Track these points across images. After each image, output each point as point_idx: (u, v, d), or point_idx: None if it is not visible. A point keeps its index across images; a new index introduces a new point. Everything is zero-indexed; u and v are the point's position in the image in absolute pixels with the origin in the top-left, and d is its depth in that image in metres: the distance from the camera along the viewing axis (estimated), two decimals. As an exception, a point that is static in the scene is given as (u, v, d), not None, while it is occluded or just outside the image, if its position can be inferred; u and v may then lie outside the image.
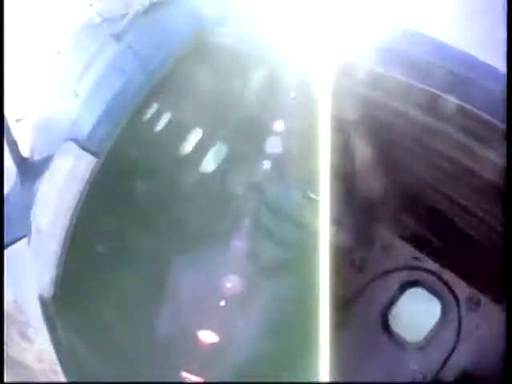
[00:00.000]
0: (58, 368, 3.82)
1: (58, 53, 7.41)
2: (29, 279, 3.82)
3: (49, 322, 3.49)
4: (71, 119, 3.96)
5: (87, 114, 3.63)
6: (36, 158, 5.08)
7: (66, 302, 3.49)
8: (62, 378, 3.78)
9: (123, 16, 4.26)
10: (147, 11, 4.03)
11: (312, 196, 3.83)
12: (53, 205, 3.38)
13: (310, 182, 3.92)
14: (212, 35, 3.49)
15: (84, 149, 3.23)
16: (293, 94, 3.73)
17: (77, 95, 4.29)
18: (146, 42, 3.90)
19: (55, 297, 3.44)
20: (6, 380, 3.41)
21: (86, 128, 3.38)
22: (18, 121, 5.55)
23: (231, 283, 3.83)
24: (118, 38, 4.08)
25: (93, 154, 3.18)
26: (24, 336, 4.18)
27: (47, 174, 3.69)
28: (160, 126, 7.87)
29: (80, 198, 3.21)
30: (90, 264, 4.29)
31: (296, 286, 3.81)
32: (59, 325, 3.48)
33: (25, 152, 5.20)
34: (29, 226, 3.98)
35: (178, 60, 3.59)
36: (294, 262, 3.95)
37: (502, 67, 2.33)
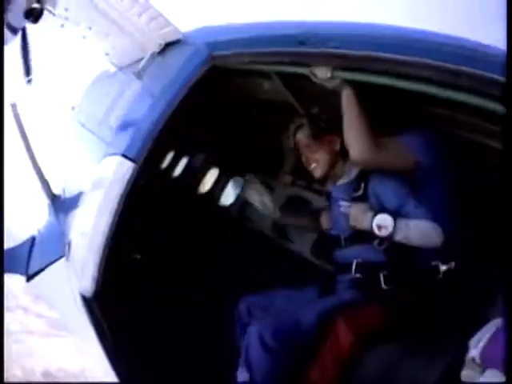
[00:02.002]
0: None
1: (73, 108, 8.18)
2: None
3: (93, 318, 3.87)
4: (105, 144, 4.46)
5: (122, 135, 4.13)
6: (67, 195, 5.67)
7: (106, 300, 3.88)
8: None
9: (139, 61, 4.64)
10: (162, 51, 4.40)
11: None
12: (97, 208, 3.79)
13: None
14: (224, 60, 3.84)
15: (123, 156, 3.73)
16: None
17: (108, 125, 4.85)
18: (158, 82, 4.20)
19: (96, 295, 3.82)
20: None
21: (122, 145, 3.87)
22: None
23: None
24: (139, 75, 4.53)
25: (131, 160, 3.71)
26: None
27: (93, 182, 4.18)
28: (178, 171, 8.66)
29: (120, 201, 3.71)
30: (129, 268, 4.97)
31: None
32: (102, 320, 3.88)
33: (56, 190, 6.02)
34: (64, 246, 4.53)
35: (186, 96, 3.90)
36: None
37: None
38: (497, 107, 2.61)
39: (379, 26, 3.56)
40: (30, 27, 5.55)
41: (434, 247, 3.39)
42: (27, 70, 6.02)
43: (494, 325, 2.39)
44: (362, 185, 3.68)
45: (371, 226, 3.44)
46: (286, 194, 6.42)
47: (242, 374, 3.41)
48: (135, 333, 4.25)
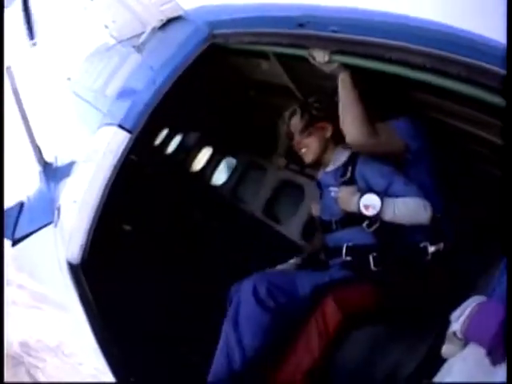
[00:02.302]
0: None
1: (69, 79, 8.23)
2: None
3: (78, 286, 3.88)
4: (101, 114, 4.55)
5: (119, 106, 4.20)
6: (59, 164, 5.73)
7: (93, 269, 3.91)
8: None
9: (139, 36, 4.67)
10: (164, 26, 4.45)
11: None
12: (89, 177, 3.85)
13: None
14: (224, 38, 3.91)
15: (119, 126, 3.79)
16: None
17: (105, 96, 4.99)
18: (158, 56, 4.25)
19: (83, 263, 3.85)
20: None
21: (119, 115, 3.92)
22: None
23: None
24: (138, 49, 4.58)
25: (127, 130, 3.77)
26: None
27: (88, 152, 4.25)
28: (171, 148, 8.70)
29: (113, 172, 3.77)
30: (118, 239, 5.03)
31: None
32: (88, 289, 3.89)
33: (48, 157, 6.10)
34: (53, 213, 4.61)
35: (184, 73, 3.96)
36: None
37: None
38: (494, 99, 2.63)
39: (378, 11, 3.61)
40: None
41: (423, 226, 3.45)
42: (31, 33, 6.07)
43: (476, 300, 2.46)
44: (350, 168, 3.75)
45: (359, 207, 3.51)
46: (279, 177, 6.50)
47: (227, 331, 3.49)
48: (121, 304, 4.27)
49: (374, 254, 3.58)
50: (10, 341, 7.29)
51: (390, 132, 3.62)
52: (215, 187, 7.89)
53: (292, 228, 5.90)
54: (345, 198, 3.66)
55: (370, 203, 3.50)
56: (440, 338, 2.53)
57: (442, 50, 2.73)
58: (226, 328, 3.47)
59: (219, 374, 3.43)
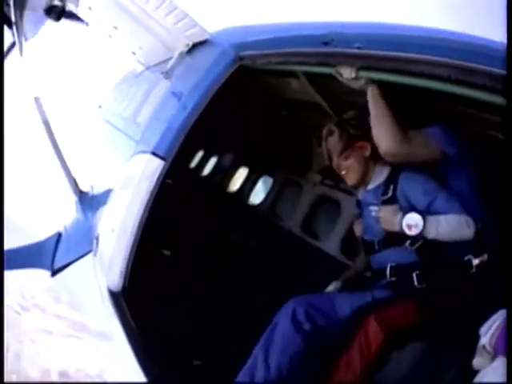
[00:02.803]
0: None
1: (100, 107, 8.41)
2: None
3: (120, 313, 4.01)
4: (134, 142, 4.67)
5: (151, 134, 4.30)
6: (95, 192, 5.85)
7: (134, 295, 4.01)
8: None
9: (166, 61, 4.83)
10: (190, 51, 4.58)
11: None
12: (126, 205, 3.96)
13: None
14: (251, 60, 4.00)
15: (153, 154, 3.91)
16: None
17: (137, 123, 5.10)
18: (186, 81, 4.36)
19: (124, 290, 3.95)
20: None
21: (152, 143, 4.05)
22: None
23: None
24: (167, 75, 4.72)
25: (161, 158, 3.89)
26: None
27: (123, 180, 4.37)
28: (207, 170, 8.80)
29: (150, 199, 3.89)
30: (157, 264, 5.11)
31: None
32: (129, 316, 4.02)
33: (84, 187, 6.25)
34: (92, 242, 4.73)
35: (215, 96, 4.07)
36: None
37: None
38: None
39: (399, 25, 3.70)
40: (57, 25, 5.73)
41: (467, 240, 3.43)
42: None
43: (504, 313, 2.53)
44: (391, 187, 3.74)
45: (401, 227, 3.50)
46: (315, 193, 6.52)
47: (259, 347, 3.53)
48: (162, 329, 4.34)
49: (418, 272, 3.58)
50: (48, 369, 7.42)
51: (425, 139, 3.62)
52: (253, 206, 7.98)
53: (331, 243, 5.90)
54: (387, 217, 3.66)
55: (412, 222, 3.49)
56: (471, 351, 2.57)
57: (467, 60, 2.80)
58: (258, 346, 3.53)
59: None
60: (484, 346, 2.39)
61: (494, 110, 2.94)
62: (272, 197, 7.55)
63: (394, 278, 3.70)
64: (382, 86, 3.53)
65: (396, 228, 3.56)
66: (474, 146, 3.73)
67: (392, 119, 3.52)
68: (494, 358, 2.39)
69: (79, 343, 8.28)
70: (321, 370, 3.46)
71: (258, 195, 8.00)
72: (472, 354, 2.70)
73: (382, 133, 3.54)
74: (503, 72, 2.64)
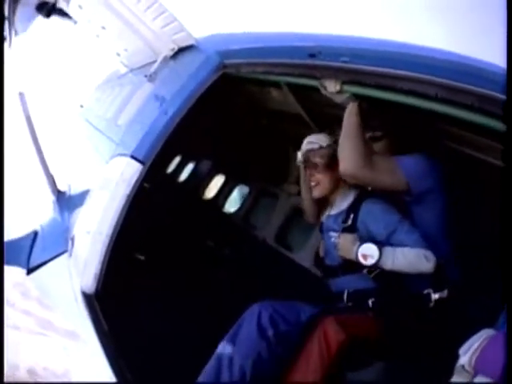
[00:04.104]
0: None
1: (82, 106, 8.30)
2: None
3: (93, 315, 3.92)
4: (114, 144, 4.56)
5: (131, 137, 4.20)
6: (73, 193, 5.75)
7: (107, 298, 3.92)
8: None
9: (150, 64, 4.74)
10: (175, 55, 4.51)
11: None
12: (103, 207, 3.88)
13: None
14: (235, 68, 3.92)
15: (132, 157, 3.82)
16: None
17: (117, 125, 5.07)
18: (169, 86, 4.28)
19: (97, 292, 3.87)
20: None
21: (131, 146, 3.95)
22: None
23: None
24: (150, 78, 4.61)
25: (140, 161, 3.81)
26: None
27: (101, 181, 4.27)
28: (183, 176, 8.72)
29: (127, 202, 3.80)
30: (131, 269, 5.02)
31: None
32: (102, 318, 3.92)
33: (62, 186, 6.14)
34: (67, 242, 4.63)
35: (197, 102, 3.99)
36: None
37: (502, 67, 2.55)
38: (497, 125, 2.65)
39: (388, 41, 3.63)
40: (45, 22, 5.63)
41: (427, 274, 3.38)
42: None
43: (485, 333, 2.46)
44: (352, 216, 3.71)
45: (357, 256, 3.47)
46: (291, 204, 6.41)
47: (223, 346, 3.45)
48: (135, 332, 4.29)
49: (373, 300, 3.56)
50: (17, 365, 7.30)
51: (392, 167, 3.54)
52: (228, 215, 7.91)
53: (304, 255, 5.82)
54: (344, 245, 3.63)
55: (368, 253, 3.45)
56: (448, 372, 2.50)
57: (454, 80, 2.74)
58: (222, 344, 3.48)
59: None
60: (463, 366, 2.32)
61: (482, 131, 2.89)
62: (247, 206, 7.47)
63: (350, 303, 3.68)
64: (368, 102, 3.43)
65: (352, 257, 3.53)
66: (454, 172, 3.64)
67: (360, 141, 3.47)
68: (473, 377, 2.35)
69: (46, 341, 8.12)
70: (283, 372, 3.40)
71: (233, 203, 7.91)
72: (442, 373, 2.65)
73: (346, 152, 3.48)
74: (491, 93, 2.61)
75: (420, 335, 3.31)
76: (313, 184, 3.95)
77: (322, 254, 4.13)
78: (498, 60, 2.68)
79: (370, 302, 3.57)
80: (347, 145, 3.48)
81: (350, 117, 3.52)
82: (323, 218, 4.07)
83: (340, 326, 3.30)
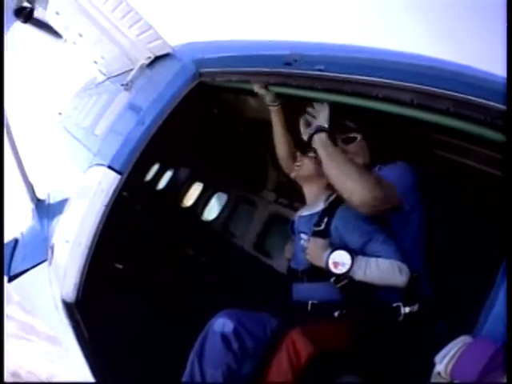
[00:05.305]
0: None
1: (60, 114, 8.22)
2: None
3: (73, 323, 3.88)
4: (91, 154, 4.49)
5: (108, 146, 4.15)
6: (52, 201, 5.68)
7: (87, 307, 3.89)
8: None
9: (127, 73, 4.67)
10: (152, 64, 4.44)
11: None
12: (81, 216, 3.82)
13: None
14: (211, 77, 3.88)
15: (109, 167, 3.77)
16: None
17: (95, 135, 4.97)
18: (146, 95, 4.21)
19: (77, 301, 3.83)
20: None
21: (108, 156, 3.90)
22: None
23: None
24: (127, 87, 4.51)
25: (117, 172, 3.75)
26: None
27: (78, 191, 4.25)
28: (162, 184, 8.68)
29: (105, 212, 3.75)
30: (110, 278, 4.96)
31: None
32: (83, 326, 3.89)
33: (41, 194, 6.06)
34: (47, 251, 4.59)
35: (174, 111, 3.93)
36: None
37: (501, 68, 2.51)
38: (492, 134, 2.62)
39: (364, 48, 3.60)
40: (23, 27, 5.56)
41: (398, 287, 3.20)
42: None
43: (462, 340, 2.43)
44: (325, 220, 3.49)
45: (327, 263, 3.26)
46: (269, 211, 6.39)
47: (192, 356, 3.25)
48: (115, 340, 4.22)
49: (339, 312, 3.34)
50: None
51: (391, 188, 3.29)
52: (206, 222, 7.85)
53: (283, 262, 5.68)
54: (314, 250, 3.42)
55: (339, 260, 3.23)
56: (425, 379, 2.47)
57: (430, 85, 2.70)
58: (193, 351, 3.26)
59: None
60: (439, 373, 2.29)
61: (460, 136, 2.90)
62: (226, 213, 7.42)
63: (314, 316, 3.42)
64: (344, 109, 3.37)
65: (321, 263, 3.32)
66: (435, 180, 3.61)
67: (358, 166, 3.31)
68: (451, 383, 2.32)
69: (29, 345, 8.06)
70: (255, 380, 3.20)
71: (211, 211, 7.86)
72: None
73: (353, 182, 3.15)
74: (467, 97, 2.60)
75: (388, 348, 3.16)
76: (297, 164, 3.80)
77: (288, 255, 3.99)
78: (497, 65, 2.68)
79: (335, 315, 3.35)
80: (349, 177, 3.19)
81: (326, 147, 3.37)
82: (295, 218, 3.92)
83: (307, 337, 3.05)
